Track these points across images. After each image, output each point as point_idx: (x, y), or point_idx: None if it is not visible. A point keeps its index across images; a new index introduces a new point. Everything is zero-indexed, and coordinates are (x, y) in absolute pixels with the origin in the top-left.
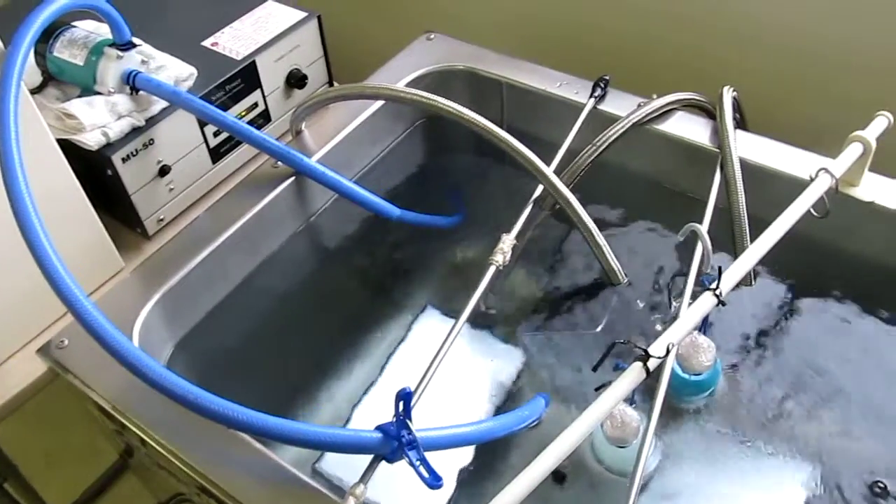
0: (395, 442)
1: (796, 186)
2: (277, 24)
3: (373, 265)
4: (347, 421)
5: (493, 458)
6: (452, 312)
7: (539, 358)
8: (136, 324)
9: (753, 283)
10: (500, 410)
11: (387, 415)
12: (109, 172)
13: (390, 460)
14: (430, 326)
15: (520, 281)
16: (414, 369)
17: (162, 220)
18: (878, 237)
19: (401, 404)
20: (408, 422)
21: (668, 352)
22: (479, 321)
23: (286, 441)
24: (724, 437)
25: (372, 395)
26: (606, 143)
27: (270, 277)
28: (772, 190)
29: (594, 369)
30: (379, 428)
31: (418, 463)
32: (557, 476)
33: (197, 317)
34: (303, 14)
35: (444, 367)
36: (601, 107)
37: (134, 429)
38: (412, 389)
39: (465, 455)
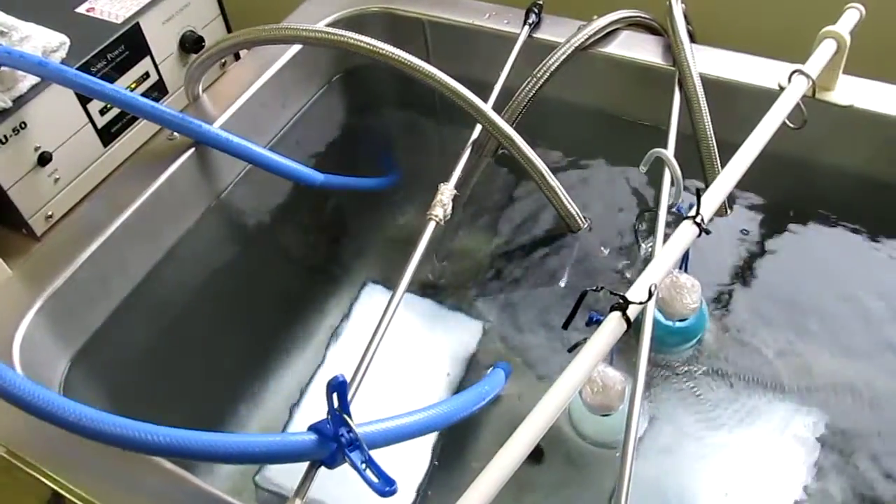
0: (333, 444)
1: (763, 99)
2: None
3: (301, 242)
4: (287, 424)
5: (458, 438)
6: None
7: (498, 323)
8: (14, 339)
9: (730, 211)
10: (461, 388)
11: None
12: None
13: (330, 465)
14: (372, 304)
15: (467, 241)
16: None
17: (50, 216)
18: (860, 145)
19: (335, 396)
20: (346, 417)
21: (650, 295)
22: (428, 291)
23: (196, 457)
24: (718, 390)
25: (313, 392)
26: (548, 72)
27: (181, 268)
28: (736, 106)
29: (565, 326)
30: (313, 428)
31: (364, 466)
32: (533, 453)
33: (94, 323)
34: None
35: (391, 347)
36: (537, 35)
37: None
38: (348, 377)
39: (426, 438)
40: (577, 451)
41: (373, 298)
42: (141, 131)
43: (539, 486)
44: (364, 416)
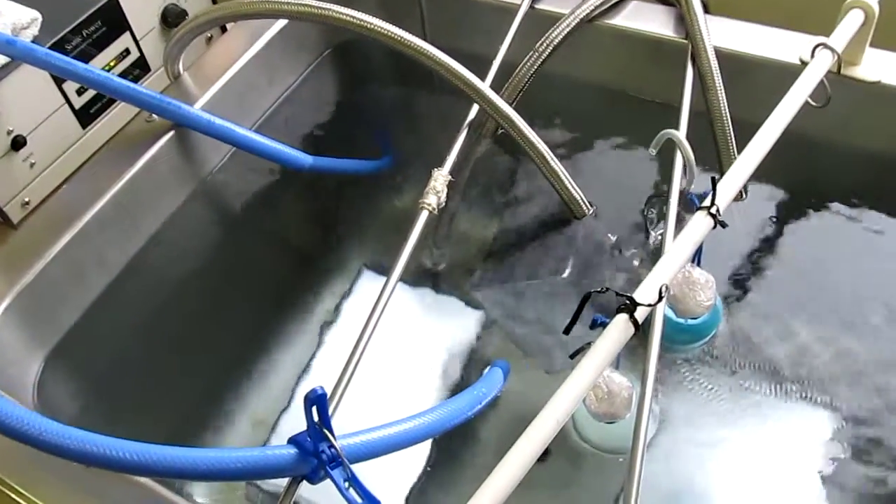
0: (314, 459)
1: (783, 75)
2: None
3: (290, 229)
4: (273, 430)
5: (454, 440)
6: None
7: (497, 315)
8: None
9: (745, 196)
10: (457, 388)
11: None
12: None
13: (312, 480)
14: (368, 293)
15: (466, 227)
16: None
17: (27, 203)
18: (886, 124)
19: (314, 410)
20: (326, 432)
21: (660, 296)
22: (423, 280)
23: (166, 475)
24: (731, 390)
25: (303, 389)
26: (551, 47)
27: (162, 257)
28: (754, 82)
29: (566, 331)
30: (293, 440)
31: (347, 485)
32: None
33: (70, 320)
34: None
35: (383, 341)
36: (539, 5)
37: None
38: (336, 374)
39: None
40: (582, 452)
41: (369, 287)
42: (122, 112)
43: (542, 486)
44: (353, 415)
